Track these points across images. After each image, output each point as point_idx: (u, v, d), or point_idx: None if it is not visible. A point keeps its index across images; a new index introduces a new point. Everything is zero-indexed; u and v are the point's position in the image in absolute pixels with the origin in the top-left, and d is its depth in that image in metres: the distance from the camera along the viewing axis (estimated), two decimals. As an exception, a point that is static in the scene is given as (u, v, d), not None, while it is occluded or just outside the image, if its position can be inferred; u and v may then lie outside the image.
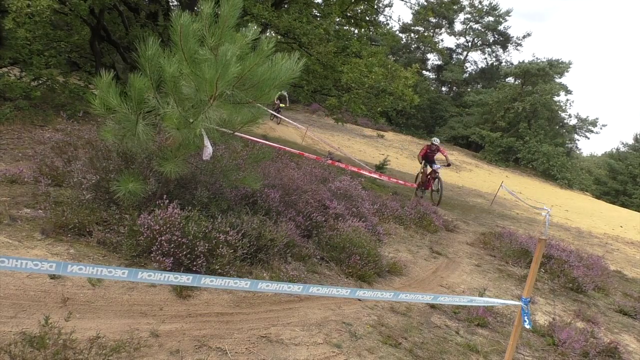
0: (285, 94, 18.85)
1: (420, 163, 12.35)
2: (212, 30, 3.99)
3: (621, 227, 18.36)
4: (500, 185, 15.04)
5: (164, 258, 3.77)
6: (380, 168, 14.46)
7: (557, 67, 33.40)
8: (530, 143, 32.02)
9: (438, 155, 12.10)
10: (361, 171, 9.63)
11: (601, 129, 39.93)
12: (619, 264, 10.38)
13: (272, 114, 18.59)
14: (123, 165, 4.46)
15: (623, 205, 31.53)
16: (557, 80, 34.14)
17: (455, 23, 41.56)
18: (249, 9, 9.66)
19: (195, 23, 3.87)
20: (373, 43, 18.22)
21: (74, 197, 4.36)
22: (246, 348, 3.19)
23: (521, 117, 33.65)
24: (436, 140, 12.19)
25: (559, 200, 22.35)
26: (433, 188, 11.97)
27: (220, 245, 4.02)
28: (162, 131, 4.30)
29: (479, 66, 43.01)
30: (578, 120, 34.95)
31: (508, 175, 27.11)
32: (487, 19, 39.98)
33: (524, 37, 40.42)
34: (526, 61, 34.58)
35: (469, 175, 23.62)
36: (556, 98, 33.91)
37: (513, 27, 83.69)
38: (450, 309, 4.85)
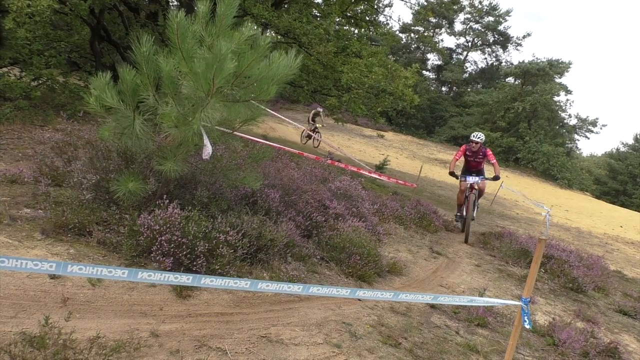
0: (320, 109, 16.19)
1: (456, 177, 8.05)
2: (209, 29, 4.00)
3: (621, 227, 18.38)
4: (500, 186, 15.03)
5: (164, 258, 3.77)
6: (380, 168, 14.46)
7: (557, 67, 33.48)
8: (530, 143, 32.08)
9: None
10: (361, 171, 9.62)
11: (601, 129, 40.14)
12: (619, 264, 10.38)
13: (308, 134, 16.67)
14: (123, 165, 4.46)
15: (623, 205, 31.59)
16: (557, 80, 34.25)
17: (455, 23, 41.72)
18: (249, 9, 9.66)
19: (193, 22, 3.89)
20: (373, 43, 18.20)
21: (74, 197, 4.36)
22: (246, 348, 3.19)
23: (521, 117, 33.72)
24: (480, 137, 7.94)
25: (559, 200, 22.36)
26: (470, 213, 8.07)
27: (220, 245, 4.02)
28: (161, 131, 4.30)
29: (479, 66, 43.16)
30: (578, 120, 35.06)
31: (508, 175, 27.11)
32: (487, 19, 40.08)
33: (524, 37, 40.60)
34: (526, 61, 34.71)
35: (469, 175, 23.56)
36: (556, 98, 34.03)
37: (513, 27, 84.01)
38: (450, 309, 4.85)
